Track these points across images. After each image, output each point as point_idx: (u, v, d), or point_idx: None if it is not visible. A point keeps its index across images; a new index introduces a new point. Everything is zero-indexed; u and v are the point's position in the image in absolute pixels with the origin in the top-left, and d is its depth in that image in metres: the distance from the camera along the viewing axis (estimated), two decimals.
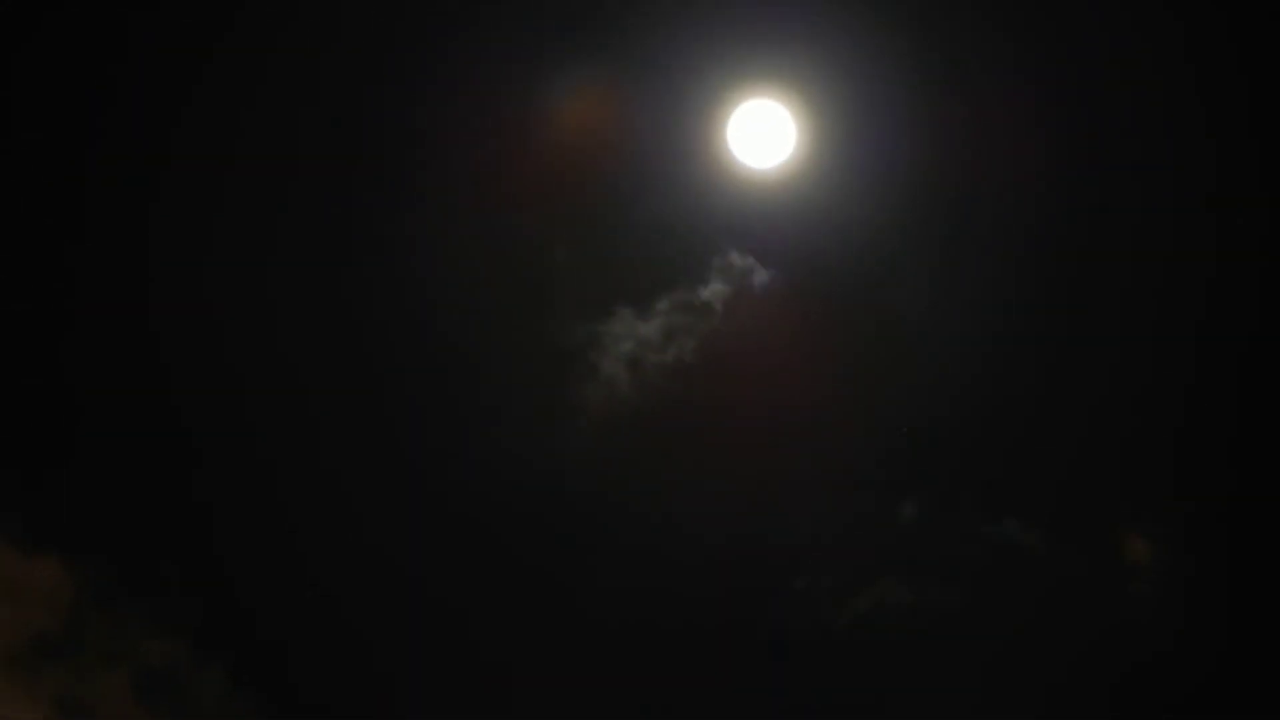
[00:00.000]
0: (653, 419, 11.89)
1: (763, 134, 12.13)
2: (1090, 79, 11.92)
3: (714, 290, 12.01)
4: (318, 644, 11.19)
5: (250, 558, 11.31)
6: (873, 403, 11.85)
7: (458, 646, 11.26)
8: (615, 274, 12.10)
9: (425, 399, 11.91)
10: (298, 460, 11.45)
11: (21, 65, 11.43)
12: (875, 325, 12.06)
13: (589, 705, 10.97)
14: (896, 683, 11.21)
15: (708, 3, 11.82)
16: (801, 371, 11.82)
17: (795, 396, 11.68)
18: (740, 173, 12.10)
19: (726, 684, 11.20)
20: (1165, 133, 11.89)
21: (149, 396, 11.39)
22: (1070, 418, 11.72)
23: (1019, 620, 11.27)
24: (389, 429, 11.77)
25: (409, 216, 11.96)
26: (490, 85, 11.86)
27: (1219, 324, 11.74)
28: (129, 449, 11.38)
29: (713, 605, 11.39)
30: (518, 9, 11.77)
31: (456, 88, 11.82)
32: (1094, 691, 11.10)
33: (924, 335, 11.94)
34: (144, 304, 11.53)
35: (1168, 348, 11.74)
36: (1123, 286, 11.88)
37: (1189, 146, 11.83)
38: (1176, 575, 11.28)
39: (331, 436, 11.52)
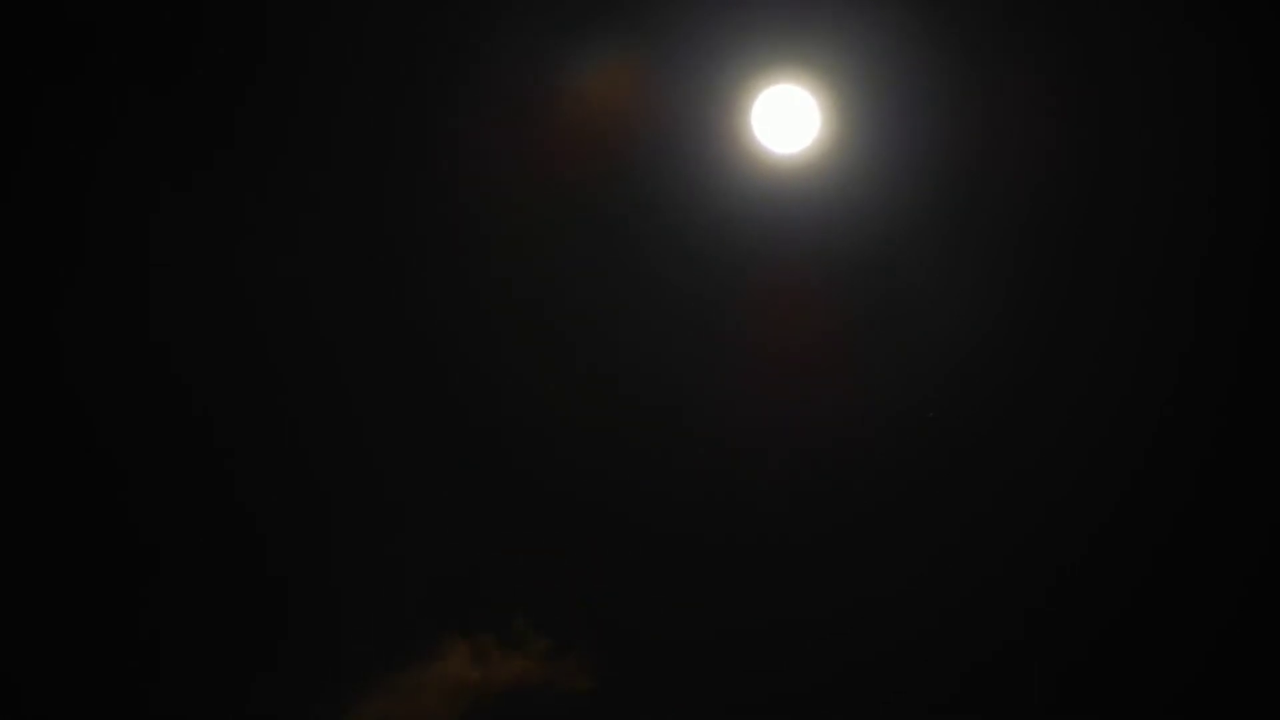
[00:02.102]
0: None
1: (787, 119, 12.08)
2: (1118, 70, 11.92)
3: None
4: None
5: None
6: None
7: None
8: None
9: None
10: None
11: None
12: (893, 314, 12.15)
13: None
14: None
15: None
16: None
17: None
18: (764, 157, 12.07)
19: None
20: (1188, 127, 11.94)
21: None
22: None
23: None
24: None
25: (429, 194, 11.87)
26: (508, 67, 11.73)
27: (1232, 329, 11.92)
28: None
29: None
30: None
31: (470, 71, 11.68)
32: None
33: (943, 326, 12.03)
34: None
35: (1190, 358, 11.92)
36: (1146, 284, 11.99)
37: (1211, 142, 11.89)
38: None
39: None
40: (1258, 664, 11.48)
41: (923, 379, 12.01)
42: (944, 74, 11.81)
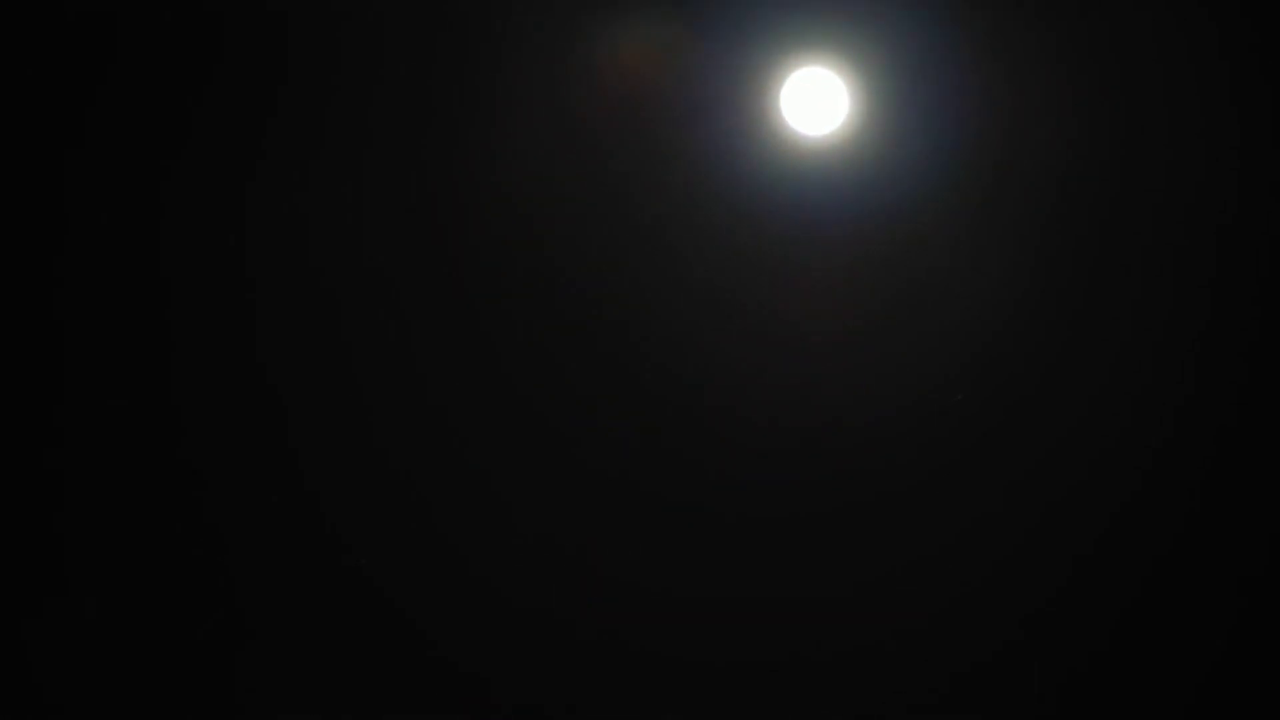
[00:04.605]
0: None
1: (816, 102, 12.05)
2: (1153, 59, 11.94)
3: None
4: None
5: None
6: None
7: None
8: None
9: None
10: None
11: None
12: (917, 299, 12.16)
13: None
14: None
15: None
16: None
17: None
18: (792, 140, 12.03)
19: None
20: (1216, 120, 11.98)
21: None
22: None
23: None
24: None
25: (459, 170, 11.76)
26: (528, 47, 11.61)
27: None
28: None
29: None
30: None
31: (491, 49, 11.55)
32: None
33: (969, 311, 12.05)
34: None
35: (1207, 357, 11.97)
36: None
37: (1238, 135, 11.93)
38: None
39: None
40: (1263, 666, 11.58)
41: (949, 363, 12.03)
42: (976, 59, 11.78)
